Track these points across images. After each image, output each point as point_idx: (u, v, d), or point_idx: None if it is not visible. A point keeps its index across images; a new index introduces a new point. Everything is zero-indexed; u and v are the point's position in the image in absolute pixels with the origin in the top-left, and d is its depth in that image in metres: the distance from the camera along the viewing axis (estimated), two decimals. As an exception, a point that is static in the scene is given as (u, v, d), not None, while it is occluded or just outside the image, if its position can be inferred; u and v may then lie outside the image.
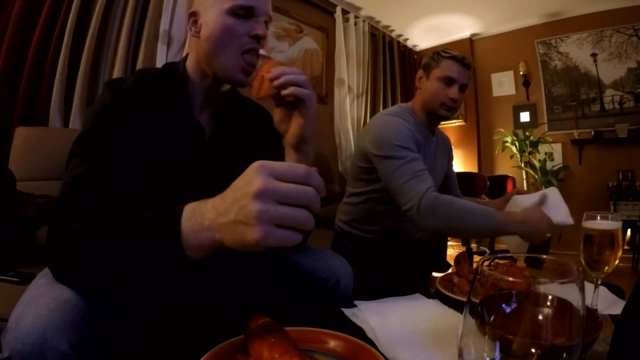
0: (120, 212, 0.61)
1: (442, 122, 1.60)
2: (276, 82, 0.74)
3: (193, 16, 0.85)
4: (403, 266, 1.45)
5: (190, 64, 0.88)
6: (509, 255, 0.54)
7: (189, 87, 0.87)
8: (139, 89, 0.82)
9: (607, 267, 0.84)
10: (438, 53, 1.49)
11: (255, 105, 1.05)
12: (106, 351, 0.60)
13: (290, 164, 0.49)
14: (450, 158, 1.76)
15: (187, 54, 0.90)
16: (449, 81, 1.45)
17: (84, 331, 0.56)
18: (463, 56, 1.47)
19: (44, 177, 1.67)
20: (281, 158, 1.03)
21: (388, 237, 1.52)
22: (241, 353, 0.55)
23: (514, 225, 1.21)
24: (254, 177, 0.47)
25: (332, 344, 0.62)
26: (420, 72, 1.55)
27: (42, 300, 0.57)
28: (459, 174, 3.79)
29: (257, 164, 0.48)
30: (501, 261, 1.07)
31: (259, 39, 0.82)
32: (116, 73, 2.24)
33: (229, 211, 0.49)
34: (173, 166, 0.82)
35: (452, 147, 1.81)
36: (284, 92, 0.74)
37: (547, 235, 1.24)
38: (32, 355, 0.53)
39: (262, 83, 0.76)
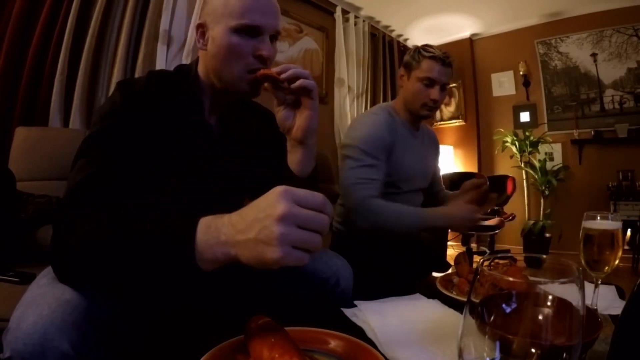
0: (127, 216, 0.61)
1: (435, 121, 1.63)
2: (284, 75, 0.77)
3: (201, 28, 0.85)
4: (403, 266, 1.45)
5: (201, 70, 0.89)
6: (509, 255, 0.54)
7: (199, 90, 0.88)
8: (150, 90, 0.82)
9: (607, 267, 0.84)
10: (419, 51, 1.47)
11: (260, 107, 1.06)
12: (107, 351, 0.60)
13: (310, 192, 0.53)
14: (437, 154, 1.77)
15: (198, 57, 0.91)
16: (429, 82, 1.44)
17: (85, 331, 0.57)
18: (444, 54, 1.44)
19: (43, 177, 1.67)
20: (283, 159, 1.03)
21: (384, 237, 1.51)
22: (241, 353, 0.55)
23: (439, 219, 1.36)
24: (278, 201, 0.50)
25: (332, 344, 0.62)
26: (401, 70, 1.54)
27: (43, 301, 0.57)
28: (459, 174, 3.81)
29: (281, 188, 0.52)
30: (501, 261, 1.07)
31: (264, 60, 0.83)
32: (116, 73, 2.24)
33: (250, 230, 0.51)
34: (183, 166, 0.83)
35: (438, 143, 1.81)
36: (293, 85, 0.77)
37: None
38: (33, 356, 0.53)
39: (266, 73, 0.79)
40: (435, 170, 1.76)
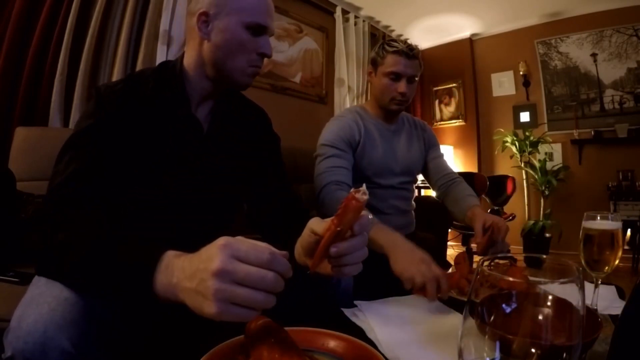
0: (102, 233, 0.63)
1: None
2: (334, 261, 0.62)
3: (204, 16, 0.83)
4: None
5: (190, 62, 0.89)
6: (509, 255, 0.54)
7: (185, 84, 0.88)
8: (130, 87, 0.83)
9: (607, 267, 0.84)
10: (383, 47, 1.48)
11: (254, 105, 1.07)
12: (107, 350, 0.60)
13: (256, 246, 0.50)
14: (431, 144, 1.72)
15: (184, 53, 0.91)
16: (395, 76, 1.45)
17: (85, 329, 0.57)
18: (409, 47, 1.45)
19: (43, 177, 1.67)
20: (277, 160, 1.04)
21: None
22: (241, 353, 0.55)
23: (379, 243, 1.05)
24: (216, 254, 0.48)
25: (332, 344, 0.62)
26: (369, 67, 1.56)
27: (42, 300, 0.58)
28: (459, 174, 3.81)
29: (222, 241, 0.49)
30: (501, 261, 1.06)
31: (265, 57, 0.89)
32: (116, 73, 2.24)
33: (192, 279, 0.50)
34: (172, 161, 0.84)
35: (431, 132, 1.76)
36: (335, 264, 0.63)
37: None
38: (35, 354, 0.54)
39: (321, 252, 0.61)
40: (430, 160, 1.71)
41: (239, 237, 0.51)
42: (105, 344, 0.60)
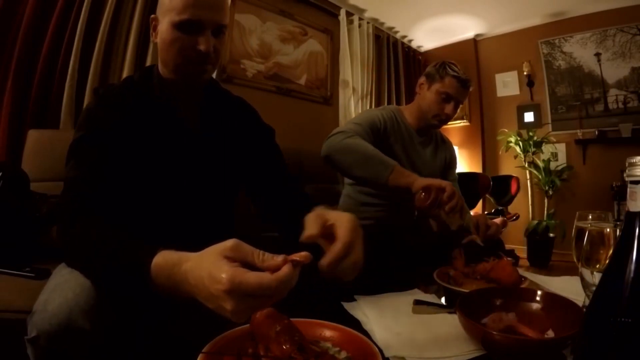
0: (98, 239, 0.66)
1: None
2: None
3: (154, 21, 0.89)
4: (404, 261, 1.48)
5: (159, 64, 0.93)
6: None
7: (166, 86, 0.91)
8: (124, 93, 0.87)
9: (598, 265, 0.87)
10: (444, 67, 1.55)
11: (241, 101, 1.09)
12: (121, 331, 0.65)
13: (261, 284, 0.47)
14: (449, 164, 1.79)
15: None
16: (447, 97, 1.53)
17: (105, 312, 0.62)
18: (466, 78, 1.55)
19: (54, 177, 1.72)
20: (272, 150, 1.06)
21: (381, 229, 1.55)
22: (248, 340, 0.59)
23: (403, 186, 1.22)
24: (226, 299, 0.47)
25: (330, 334, 0.66)
26: (422, 79, 1.61)
27: (67, 286, 0.63)
28: (463, 174, 3.82)
29: (226, 283, 0.47)
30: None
31: (203, 54, 0.83)
32: (125, 75, 2.29)
33: (208, 301, 0.50)
34: (160, 161, 0.86)
35: (454, 152, 1.84)
36: None
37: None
38: (58, 334, 0.58)
39: None
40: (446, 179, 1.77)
41: (239, 262, 0.50)
42: (120, 326, 0.65)
